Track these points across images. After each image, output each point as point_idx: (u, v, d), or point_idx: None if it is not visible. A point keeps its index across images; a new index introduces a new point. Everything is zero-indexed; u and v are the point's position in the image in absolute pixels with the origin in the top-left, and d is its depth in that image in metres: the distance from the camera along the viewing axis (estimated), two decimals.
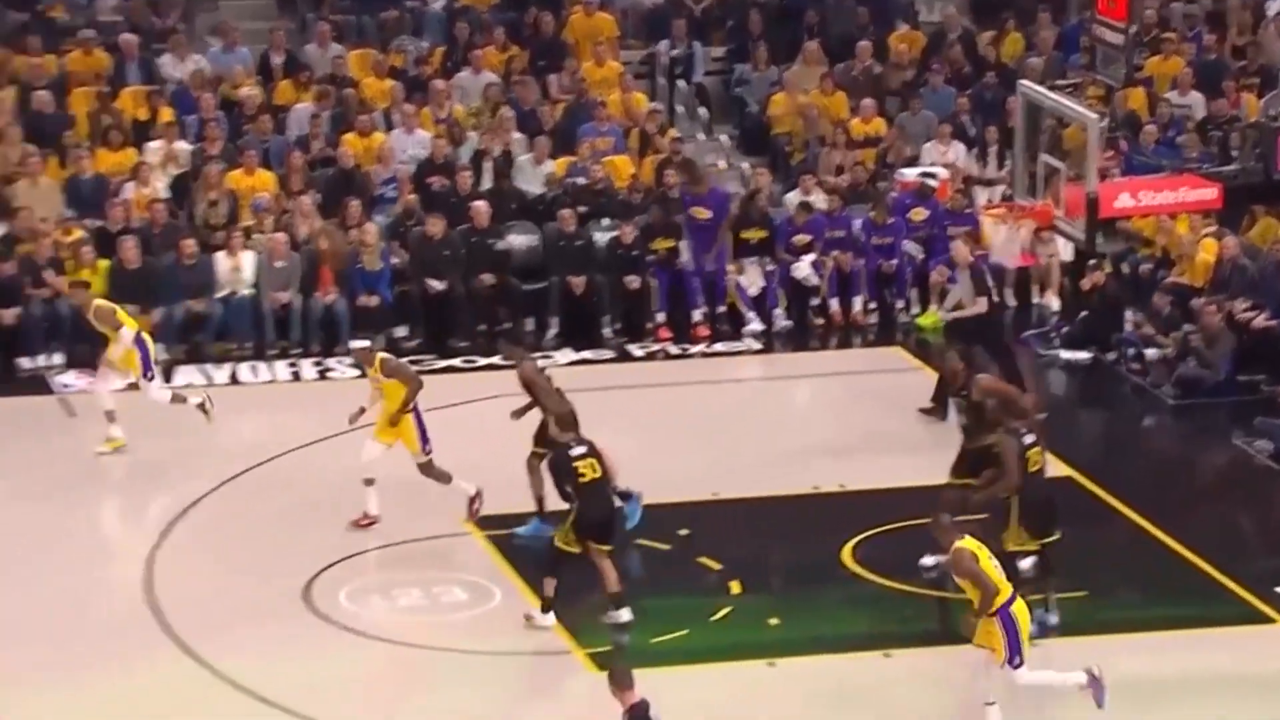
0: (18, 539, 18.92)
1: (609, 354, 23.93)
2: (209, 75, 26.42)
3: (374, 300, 23.87)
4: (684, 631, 17.10)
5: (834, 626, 17.30)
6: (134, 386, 20.55)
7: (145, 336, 20.69)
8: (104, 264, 23.61)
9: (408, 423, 18.54)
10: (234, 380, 22.40)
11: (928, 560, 17.91)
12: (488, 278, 24.32)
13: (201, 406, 20.60)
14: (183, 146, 25.39)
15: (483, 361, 23.31)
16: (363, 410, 18.86)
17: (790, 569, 18.31)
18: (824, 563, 18.28)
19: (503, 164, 25.71)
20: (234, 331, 23.67)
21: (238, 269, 23.89)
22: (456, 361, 23.36)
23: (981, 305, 21.74)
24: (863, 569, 18.21)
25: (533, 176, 25.81)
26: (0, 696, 16.02)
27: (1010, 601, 15.10)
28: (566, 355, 23.77)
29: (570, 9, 28.21)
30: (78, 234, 23.88)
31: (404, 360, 19.61)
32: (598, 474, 16.97)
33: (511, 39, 27.80)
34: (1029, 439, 17.00)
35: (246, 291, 23.87)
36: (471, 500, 18.72)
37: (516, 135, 26.11)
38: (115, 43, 26.69)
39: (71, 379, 22.68)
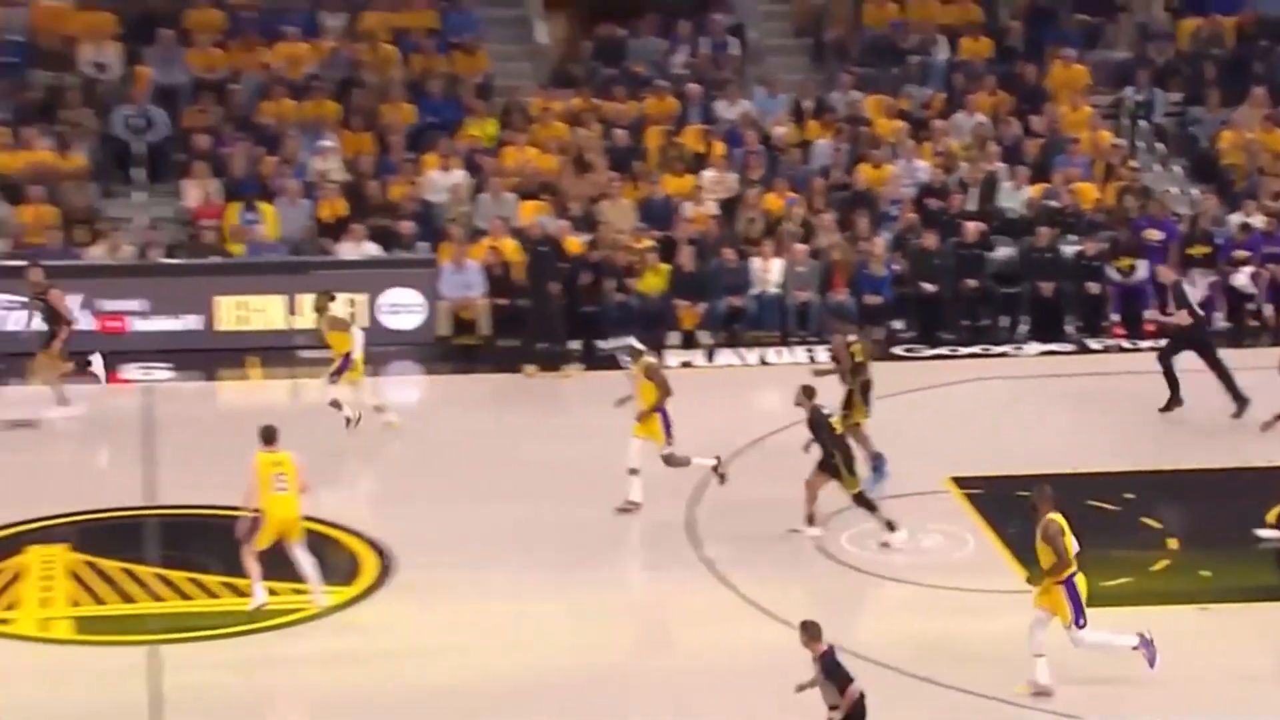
0: (582, 480, 19.06)
1: (1071, 347, 23.55)
2: (754, 116, 26.76)
3: (878, 299, 23.91)
4: (1128, 579, 16.69)
5: (1260, 579, 16.71)
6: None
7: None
8: (665, 267, 24.20)
9: (655, 420, 18.08)
10: (763, 362, 22.72)
11: (1263, 533, 17.27)
12: (972, 282, 24.16)
13: (348, 420, 19.84)
14: (730, 175, 25.85)
15: (964, 351, 23.31)
16: (628, 398, 18.39)
17: (1221, 529, 17.72)
18: (1250, 525, 17.60)
19: (988, 189, 25.48)
20: (764, 322, 23.94)
21: (768, 272, 24.19)
22: (943, 350, 23.31)
23: (1184, 318, 20.59)
24: None
25: (1013, 199, 25.50)
26: (560, 602, 16.38)
27: (1074, 573, 14.42)
28: (1034, 348, 23.53)
29: (1051, 61, 27.74)
30: (646, 243, 24.52)
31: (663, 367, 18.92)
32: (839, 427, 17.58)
33: (1000, 86, 27.45)
34: None
35: (774, 290, 24.13)
36: (715, 469, 18.26)
37: (1000, 165, 25.82)
38: (682, 91, 27.23)
39: None
